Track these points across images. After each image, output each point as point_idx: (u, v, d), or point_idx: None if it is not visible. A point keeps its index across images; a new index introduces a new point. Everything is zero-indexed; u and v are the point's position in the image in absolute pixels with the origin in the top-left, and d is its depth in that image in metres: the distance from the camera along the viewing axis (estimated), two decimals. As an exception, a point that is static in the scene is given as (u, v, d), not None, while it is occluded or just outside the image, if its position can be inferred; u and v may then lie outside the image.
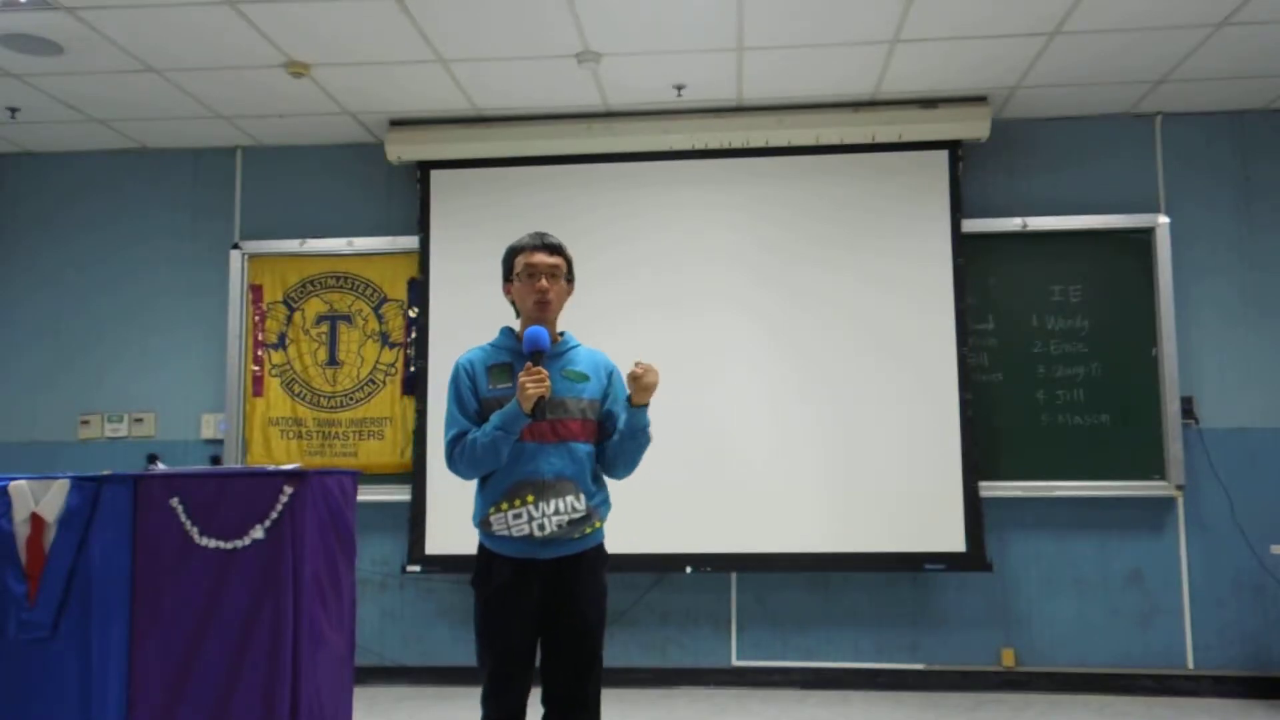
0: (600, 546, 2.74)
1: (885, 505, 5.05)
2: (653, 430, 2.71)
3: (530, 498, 2.58)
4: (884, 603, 5.20)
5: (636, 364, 2.62)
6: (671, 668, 5.25)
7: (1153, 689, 5.00)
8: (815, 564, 5.11)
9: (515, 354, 2.69)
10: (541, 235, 2.74)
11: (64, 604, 3.01)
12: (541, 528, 2.57)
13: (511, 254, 2.76)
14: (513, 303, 2.80)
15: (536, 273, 2.68)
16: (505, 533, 2.60)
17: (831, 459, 5.12)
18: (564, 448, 2.62)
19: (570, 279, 2.79)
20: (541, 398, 2.51)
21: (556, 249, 2.73)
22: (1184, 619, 5.08)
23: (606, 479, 2.79)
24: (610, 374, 2.77)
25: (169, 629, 2.98)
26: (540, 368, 2.54)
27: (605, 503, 2.75)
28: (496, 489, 2.61)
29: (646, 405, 2.65)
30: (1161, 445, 5.06)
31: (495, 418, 2.57)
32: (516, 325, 2.79)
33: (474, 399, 2.67)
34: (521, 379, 2.52)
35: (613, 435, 2.73)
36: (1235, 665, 5.02)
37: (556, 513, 2.58)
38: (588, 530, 2.65)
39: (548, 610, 2.63)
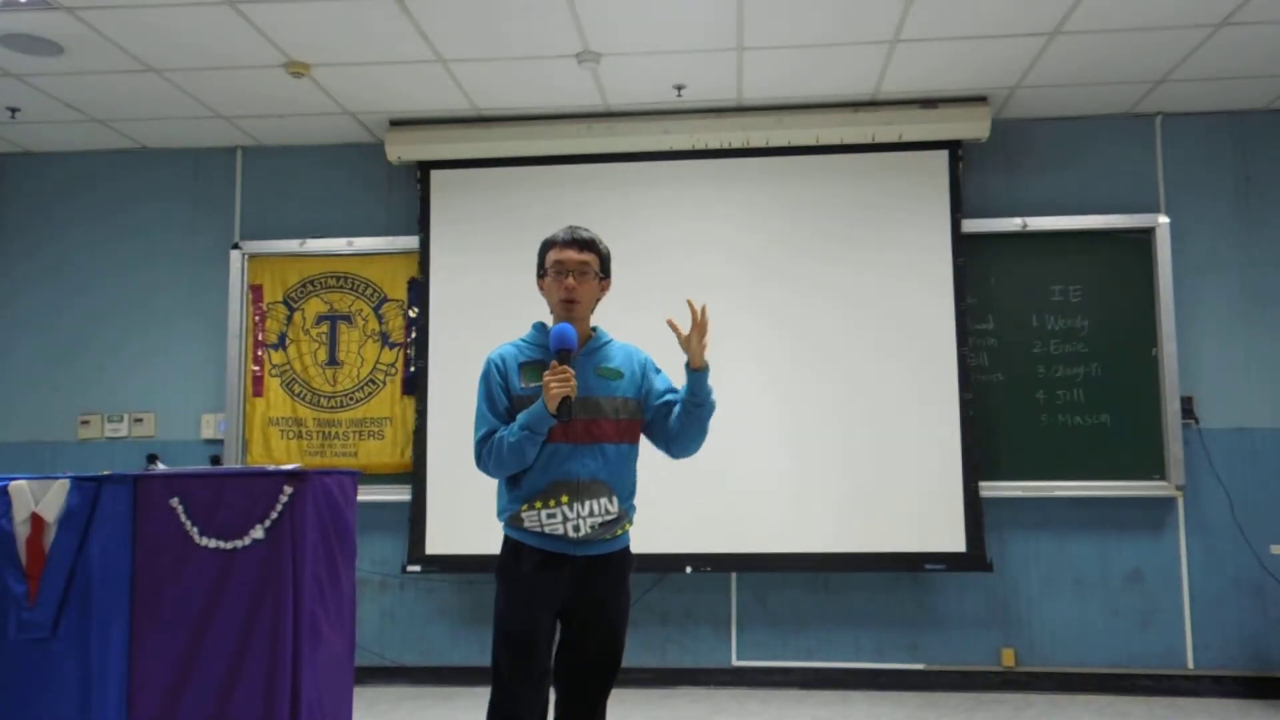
0: (627, 549, 2.69)
1: (885, 505, 5.05)
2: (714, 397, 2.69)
3: (565, 498, 2.54)
4: (884, 603, 5.20)
5: (679, 326, 2.61)
6: (671, 668, 5.25)
7: (1153, 689, 5.00)
8: (815, 564, 5.11)
9: (548, 350, 2.63)
10: (573, 230, 2.69)
11: (64, 604, 3.01)
12: (576, 529, 2.54)
13: (543, 248, 2.71)
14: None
15: (563, 270, 2.63)
16: (538, 529, 2.56)
17: (831, 459, 5.12)
18: (597, 449, 2.59)
19: (604, 275, 2.72)
20: (567, 398, 2.47)
21: (587, 244, 2.67)
22: (1184, 619, 5.08)
23: (637, 477, 2.72)
24: (643, 366, 2.74)
25: (169, 629, 2.98)
26: (566, 367, 2.50)
27: (634, 507, 2.69)
28: (531, 488, 2.57)
29: (707, 369, 2.61)
30: (1161, 445, 5.06)
31: (522, 417, 2.53)
32: (550, 321, 2.73)
33: (505, 396, 2.62)
34: (546, 379, 2.48)
35: (663, 421, 2.69)
36: (1235, 665, 5.02)
37: (591, 514, 2.55)
38: (618, 532, 2.62)
39: (570, 609, 2.59)
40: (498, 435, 2.57)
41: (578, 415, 2.54)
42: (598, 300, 2.74)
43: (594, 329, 2.74)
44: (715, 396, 2.66)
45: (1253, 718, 4.62)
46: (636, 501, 2.70)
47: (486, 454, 2.59)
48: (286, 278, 5.60)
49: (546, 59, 4.68)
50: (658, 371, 2.76)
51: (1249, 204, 5.27)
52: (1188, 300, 5.19)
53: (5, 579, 3.03)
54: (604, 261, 2.72)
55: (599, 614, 2.60)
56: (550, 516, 2.54)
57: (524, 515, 2.57)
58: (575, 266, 2.63)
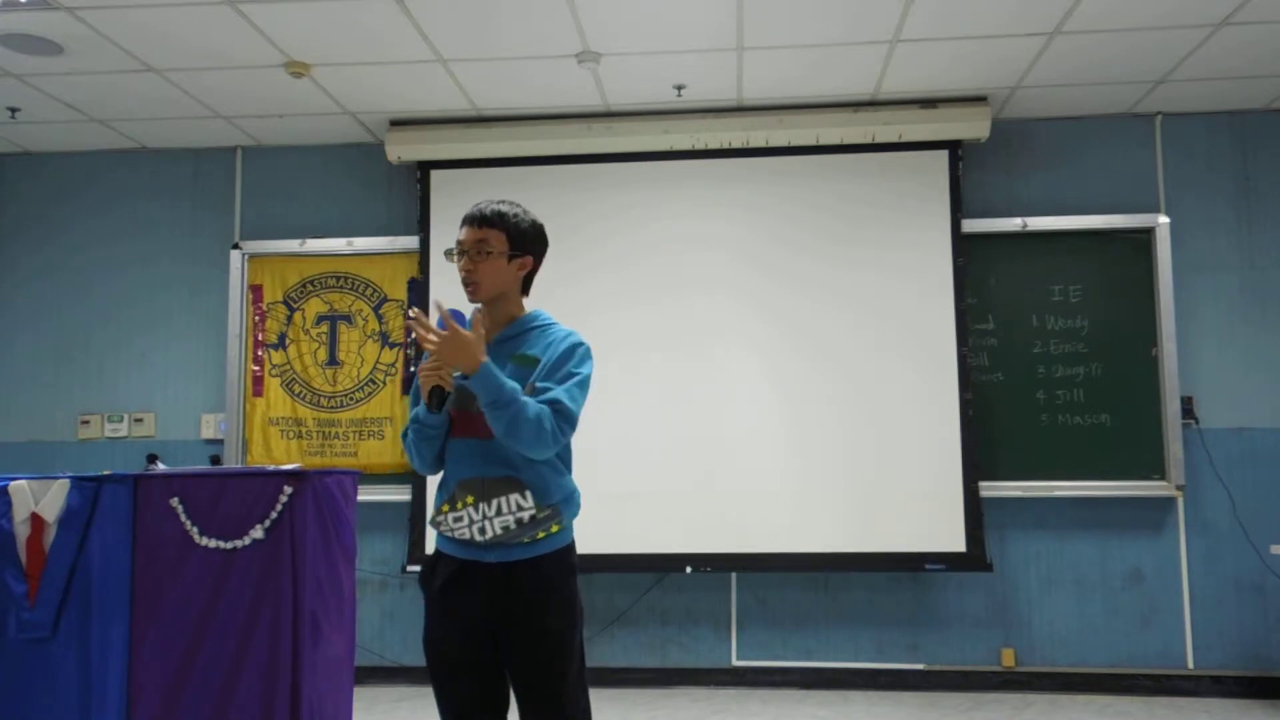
0: (562, 551, 2.36)
1: (885, 505, 5.05)
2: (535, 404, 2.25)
3: (471, 499, 2.31)
4: (884, 603, 5.20)
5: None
6: (671, 668, 5.24)
7: (1153, 689, 5.00)
8: (815, 564, 5.11)
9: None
10: (479, 205, 2.40)
11: (64, 604, 3.01)
12: (483, 531, 2.29)
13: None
14: None
15: (461, 250, 2.37)
16: (450, 534, 2.36)
17: (832, 459, 5.12)
18: (503, 443, 2.28)
19: (518, 252, 2.39)
20: (438, 387, 2.24)
21: (486, 220, 2.36)
22: (1184, 619, 5.08)
23: (570, 473, 2.42)
24: (563, 352, 2.36)
25: (169, 629, 2.98)
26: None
27: (569, 501, 2.37)
28: (444, 490, 2.37)
29: (472, 375, 2.21)
30: (1161, 445, 5.06)
31: (411, 410, 2.38)
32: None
33: None
34: (421, 366, 2.28)
35: None
36: (1235, 665, 5.02)
37: (499, 513, 2.28)
38: (540, 535, 2.31)
39: (501, 626, 2.31)
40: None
41: (447, 407, 2.33)
42: (516, 280, 2.42)
43: (533, 313, 2.45)
44: (510, 399, 2.21)
45: (1253, 718, 4.62)
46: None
47: (405, 447, 2.43)
48: (286, 278, 5.60)
49: (546, 59, 4.68)
50: (570, 359, 2.36)
51: (1249, 204, 5.27)
52: (1188, 300, 5.19)
53: (5, 579, 3.04)
54: (515, 237, 2.38)
55: (530, 629, 2.29)
56: (457, 520, 2.32)
57: (438, 520, 2.36)
58: (470, 246, 2.35)
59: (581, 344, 2.39)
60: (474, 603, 2.31)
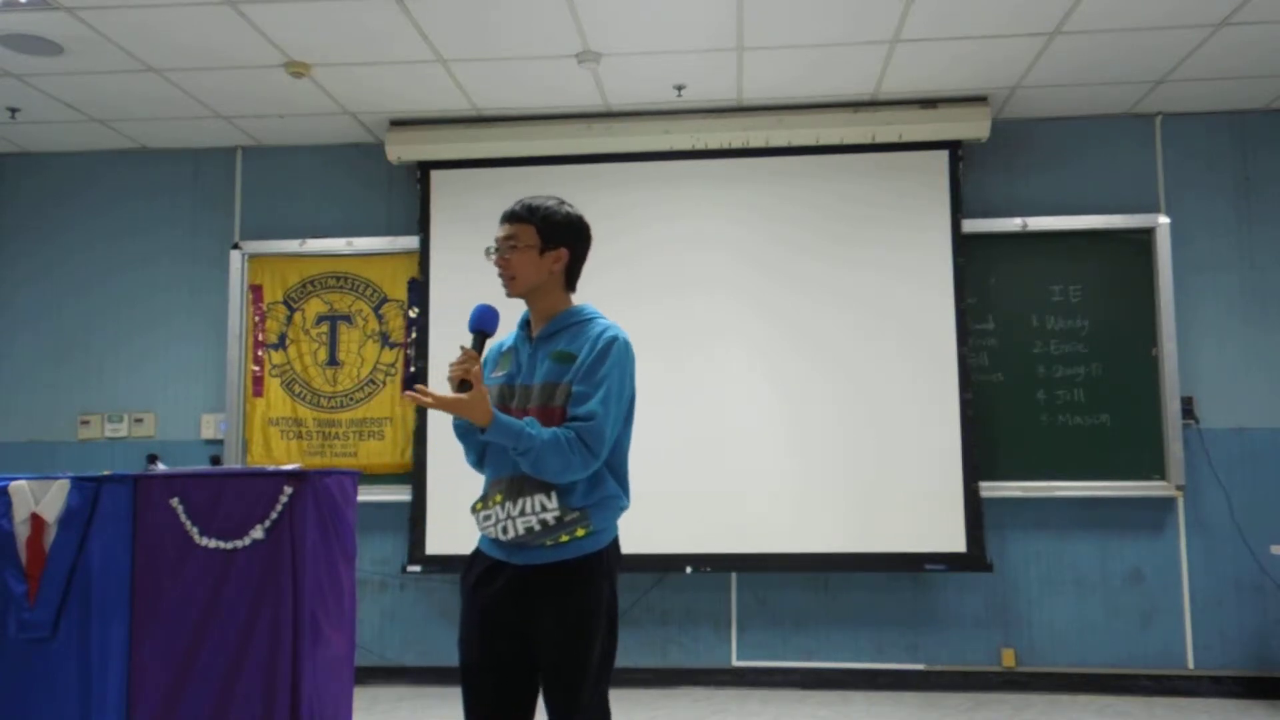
0: (589, 558, 2.28)
1: (885, 505, 5.05)
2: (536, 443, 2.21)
3: (499, 498, 2.31)
4: (884, 603, 5.20)
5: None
6: (671, 668, 5.25)
7: (1153, 689, 5.00)
8: (815, 564, 5.11)
9: (524, 336, 2.44)
10: (514, 202, 2.42)
11: (64, 604, 3.02)
12: (505, 531, 2.27)
13: None
14: None
15: (496, 248, 2.40)
16: (482, 532, 2.38)
17: (832, 459, 5.12)
18: None
19: (551, 244, 2.37)
20: (465, 383, 2.20)
21: (513, 216, 2.39)
22: (1184, 619, 5.08)
23: (611, 477, 2.35)
24: (597, 351, 2.31)
25: (169, 629, 2.99)
26: (471, 351, 2.25)
27: (603, 504, 2.31)
28: (483, 487, 2.39)
29: (488, 427, 2.21)
30: (1161, 445, 5.06)
31: None
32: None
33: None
34: (451, 364, 2.26)
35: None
36: (1235, 665, 5.02)
37: (523, 514, 2.25)
38: (564, 539, 2.25)
39: (526, 628, 2.28)
40: None
41: (518, 405, 2.33)
42: (552, 273, 2.39)
43: (576, 307, 2.44)
44: (528, 445, 2.20)
45: (1253, 718, 4.62)
46: (623, 500, 2.38)
47: None
48: (286, 278, 5.60)
49: (546, 59, 4.68)
50: (604, 361, 2.30)
51: (1249, 204, 5.27)
52: (1188, 300, 5.19)
53: (5, 579, 3.04)
54: (545, 230, 2.37)
55: (542, 632, 2.25)
56: (486, 519, 2.33)
57: (475, 517, 2.38)
58: (500, 244, 2.39)
59: (616, 339, 2.34)
60: (500, 602, 2.29)
